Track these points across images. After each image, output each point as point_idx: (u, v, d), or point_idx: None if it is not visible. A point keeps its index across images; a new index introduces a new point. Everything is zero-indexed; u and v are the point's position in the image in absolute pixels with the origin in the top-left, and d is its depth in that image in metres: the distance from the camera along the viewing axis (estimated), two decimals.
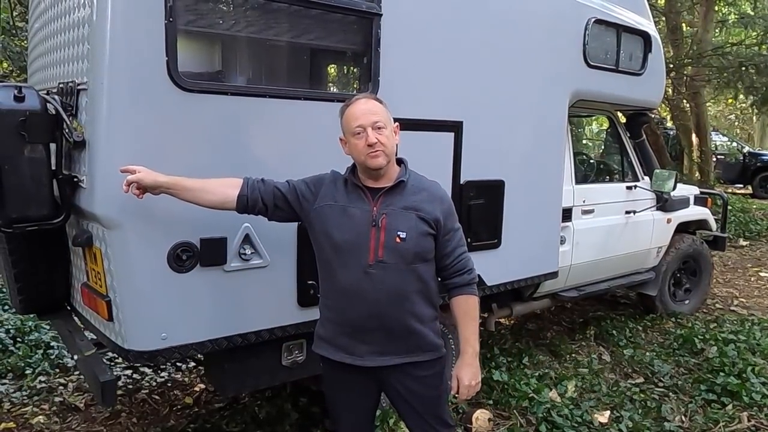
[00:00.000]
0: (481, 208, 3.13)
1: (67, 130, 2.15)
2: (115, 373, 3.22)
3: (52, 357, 3.92)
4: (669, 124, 13.35)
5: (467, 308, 2.02)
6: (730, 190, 12.85)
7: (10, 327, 4.16)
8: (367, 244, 1.91)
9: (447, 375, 2.14)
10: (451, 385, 2.02)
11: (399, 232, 1.91)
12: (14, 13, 6.86)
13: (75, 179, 2.20)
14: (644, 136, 4.96)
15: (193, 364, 3.95)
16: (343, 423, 2.15)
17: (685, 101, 11.08)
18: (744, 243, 8.71)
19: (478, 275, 2.29)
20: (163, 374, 3.89)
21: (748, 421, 3.41)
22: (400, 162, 2.04)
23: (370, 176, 1.96)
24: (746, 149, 14.64)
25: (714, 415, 3.44)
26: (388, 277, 1.92)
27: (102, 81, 2.02)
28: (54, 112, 2.17)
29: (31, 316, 3.55)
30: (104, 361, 2.51)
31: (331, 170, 2.08)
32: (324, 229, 1.97)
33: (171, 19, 2.06)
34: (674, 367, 4.10)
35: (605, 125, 5.53)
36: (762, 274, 7.04)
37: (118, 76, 2.02)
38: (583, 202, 4.11)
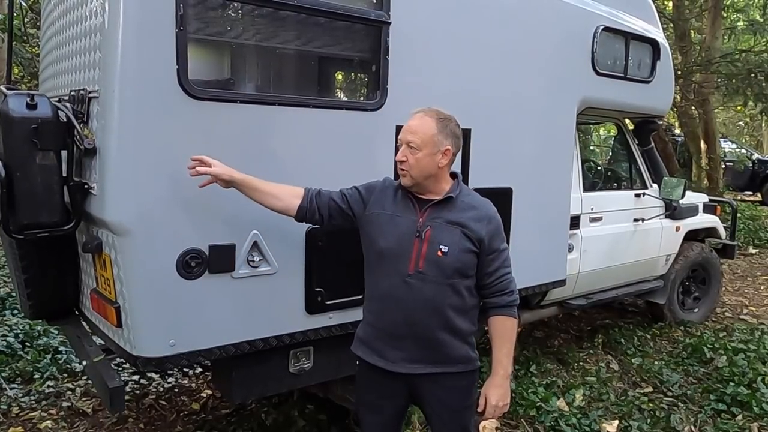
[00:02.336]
0: None
1: (78, 138, 2.17)
2: (122, 379, 3.23)
3: (61, 362, 3.93)
4: (677, 131, 13.29)
5: (503, 330, 2.02)
6: (739, 198, 12.78)
7: (18, 331, 4.18)
8: (409, 253, 1.96)
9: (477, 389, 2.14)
10: (479, 402, 2.02)
11: (441, 246, 1.93)
12: (25, 20, 6.94)
13: (86, 186, 2.22)
14: (653, 143, 4.95)
15: (200, 369, 3.96)
16: (367, 424, 2.17)
17: (693, 108, 11.02)
18: (753, 251, 8.64)
19: None
20: (170, 380, 3.90)
21: (759, 431, 3.38)
22: (454, 176, 2.07)
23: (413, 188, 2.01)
24: (755, 156, 14.54)
25: (724, 425, 3.41)
26: (426, 288, 1.95)
27: (113, 89, 2.04)
28: (65, 119, 2.18)
29: (40, 321, 3.57)
30: (112, 366, 2.52)
31: (384, 177, 2.16)
32: (371, 236, 2.05)
33: (182, 28, 2.07)
34: (683, 377, 4.07)
35: (613, 132, 5.51)
36: None
37: (129, 84, 2.03)
38: (591, 209, 4.10)
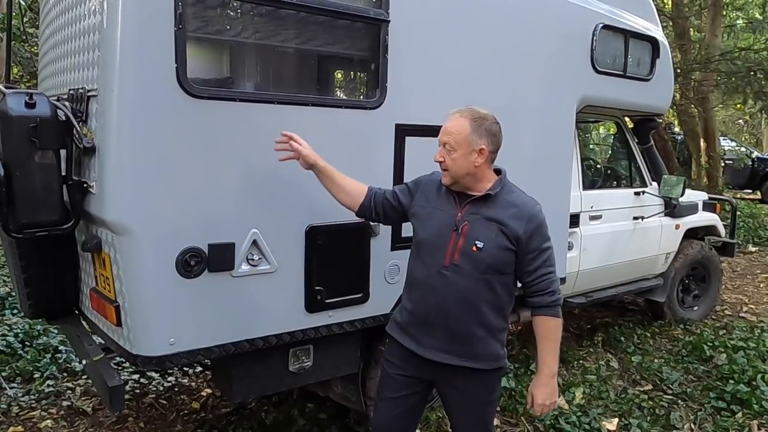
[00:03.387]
0: None
1: (77, 136, 2.17)
2: (122, 378, 3.23)
3: (60, 361, 3.93)
4: (677, 129, 13.29)
5: (546, 330, 2.04)
6: (738, 196, 12.77)
7: (18, 331, 4.18)
8: (445, 246, 2.02)
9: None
10: (527, 400, 2.06)
11: (477, 241, 1.98)
12: (24, 19, 6.93)
13: (85, 185, 2.21)
14: (652, 141, 4.94)
15: (200, 368, 3.96)
16: (383, 399, 2.21)
17: (693, 106, 11.02)
18: (753, 249, 8.64)
19: None
20: (170, 379, 3.90)
21: (759, 429, 3.38)
22: (499, 172, 2.11)
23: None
24: (755, 154, 14.53)
25: (724, 423, 3.42)
26: (461, 281, 2.00)
27: (112, 88, 2.03)
28: (64, 118, 2.18)
29: (40, 320, 3.56)
30: (112, 365, 2.52)
31: (432, 171, 2.20)
32: (414, 227, 2.16)
33: (180, 26, 2.07)
34: (683, 375, 4.07)
35: (613, 131, 5.52)
36: None
37: (127, 83, 2.03)
38: (591, 207, 4.10)
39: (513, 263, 2.02)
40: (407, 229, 2.38)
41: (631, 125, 4.93)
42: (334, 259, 2.54)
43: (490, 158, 2.04)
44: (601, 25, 3.62)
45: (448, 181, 2.05)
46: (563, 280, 3.69)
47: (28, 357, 3.92)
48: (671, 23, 10.40)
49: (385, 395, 2.21)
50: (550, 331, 2.04)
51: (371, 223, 2.59)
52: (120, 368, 3.75)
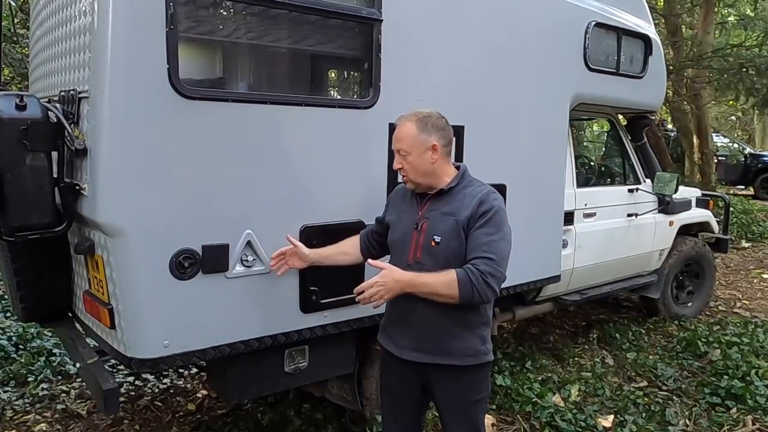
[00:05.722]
0: None
1: (68, 138, 2.15)
2: (117, 380, 3.22)
3: (55, 364, 3.91)
4: (670, 126, 13.34)
5: (444, 272, 1.92)
6: (731, 192, 12.83)
7: (12, 334, 4.16)
8: (409, 244, 2.08)
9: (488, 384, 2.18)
10: (380, 266, 1.95)
11: (435, 236, 2.02)
12: (15, 20, 6.88)
13: (77, 187, 2.20)
14: (645, 138, 4.96)
15: (195, 370, 3.94)
16: (383, 408, 2.31)
17: (685, 103, 11.06)
18: (746, 245, 8.70)
19: None
20: (165, 381, 3.89)
21: (753, 424, 3.39)
22: (458, 167, 2.14)
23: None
24: (747, 150, 14.63)
25: (718, 418, 3.43)
26: None
27: (103, 89, 2.02)
28: (55, 120, 2.16)
29: (33, 323, 3.54)
30: (106, 368, 2.50)
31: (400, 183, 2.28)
32: (388, 235, 2.21)
33: (172, 27, 2.06)
34: (678, 371, 4.09)
35: (606, 128, 5.53)
36: (765, 276, 7.02)
37: (119, 84, 2.02)
38: (585, 205, 4.10)
39: None
40: None
41: (624, 122, 4.95)
42: None
43: (444, 152, 2.06)
44: (593, 23, 3.62)
45: (412, 186, 2.09)
46: (558, 278, 3.70)
47: (22, 360, 3.90)
48: (663, 20, 10.43)
49: (383, 404, 2.28)
50: (445, 274, 1.90)
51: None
52: (114, 371, 3.73)
